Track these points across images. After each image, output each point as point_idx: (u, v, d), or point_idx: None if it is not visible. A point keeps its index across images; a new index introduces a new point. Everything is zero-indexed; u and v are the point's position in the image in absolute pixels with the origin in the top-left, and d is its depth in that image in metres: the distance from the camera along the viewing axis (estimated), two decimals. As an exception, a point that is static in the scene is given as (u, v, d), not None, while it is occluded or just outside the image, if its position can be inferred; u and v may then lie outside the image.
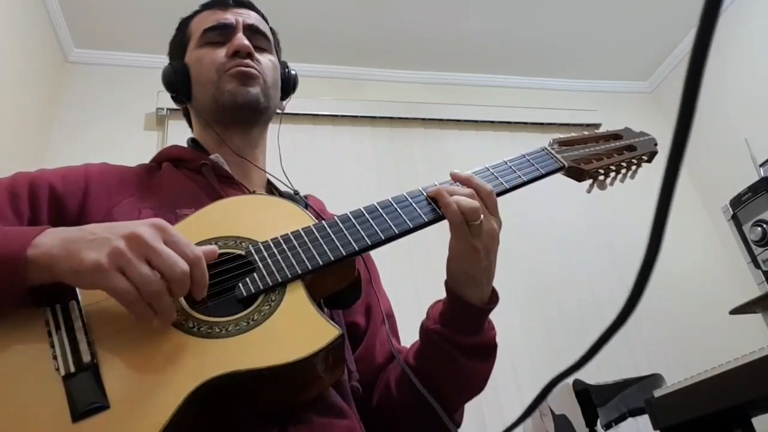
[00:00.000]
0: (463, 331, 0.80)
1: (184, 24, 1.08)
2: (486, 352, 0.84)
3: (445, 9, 2.82)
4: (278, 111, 1.06)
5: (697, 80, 0.28)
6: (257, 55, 0.99)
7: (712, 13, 0.27)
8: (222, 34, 1.00)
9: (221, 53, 0.98)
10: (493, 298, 0.82)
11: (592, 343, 0.38)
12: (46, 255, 0.61)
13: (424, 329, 0.84)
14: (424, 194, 0.81)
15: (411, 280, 2.39)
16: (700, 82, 0.28)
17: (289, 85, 1.08)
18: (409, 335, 0.94)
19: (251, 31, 1.02)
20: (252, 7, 1.07)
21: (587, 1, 2.89)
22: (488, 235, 0.78)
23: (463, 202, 0.77)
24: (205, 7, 1.06)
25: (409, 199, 0.80)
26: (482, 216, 0.77)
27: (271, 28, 1.10)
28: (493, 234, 0.79)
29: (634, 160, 0.96)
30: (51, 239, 0.62)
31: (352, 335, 0.92)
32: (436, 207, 0.79)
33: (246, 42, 0.98)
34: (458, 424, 0.87)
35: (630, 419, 1.93)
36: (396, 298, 1.09)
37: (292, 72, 1.09)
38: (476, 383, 0.85)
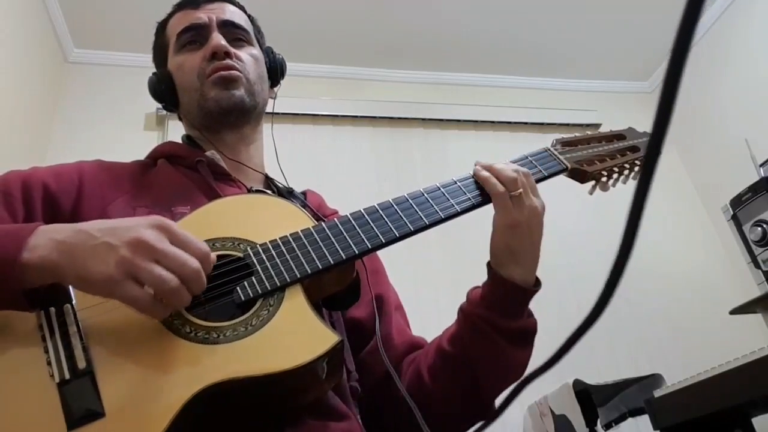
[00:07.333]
0: (506, 314, 0.79)
1: (161, 28, 1.05)
2: (527, 338, 0.82)
3: (445, 9, 2.82)
4: (271, 97, 1.04)
5: (677, 77, 0.28)
6: (237, 52, 0.97)
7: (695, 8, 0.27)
8: (197, 35, 0.98)
9: (199, 57, 0.96)
10: (537, 284, 0.82)
11: (569, 336, 0.38)
12: (46, 260, 0.59)
13: (464, 313, 0.82)
14: (440, 188, 0.81)
15: (410, 281, 2.38)
16: (680, 78, 0.28)
17: (277, 71, 1.05)
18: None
19: (227, 26, 0.99)
20: None
21: (587, 2, 2.88)
22: (530, 210, 0.79)
23: (503, 172, 0.79)
24: (178, 8, 1.04)
25: (410, 200, 0.79)
26: (521, 189, 0.78)
27: (249, 16, 1.07)
28: (534, 211, 0.80)
29: (637, 162, 0.94)
30: (46, 240, 0.60)
31: (356, 329, 0.90)
32: (440, 208, 0.78)
33: (222, 42, 0.95)
34: (498, 415, 0.86)
35: (630, 419, 1.91)
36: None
37: (278, 56, 1.06)
38: (515, 370, 0.82)
